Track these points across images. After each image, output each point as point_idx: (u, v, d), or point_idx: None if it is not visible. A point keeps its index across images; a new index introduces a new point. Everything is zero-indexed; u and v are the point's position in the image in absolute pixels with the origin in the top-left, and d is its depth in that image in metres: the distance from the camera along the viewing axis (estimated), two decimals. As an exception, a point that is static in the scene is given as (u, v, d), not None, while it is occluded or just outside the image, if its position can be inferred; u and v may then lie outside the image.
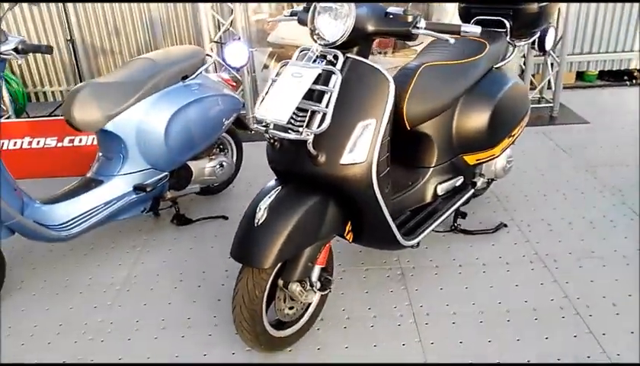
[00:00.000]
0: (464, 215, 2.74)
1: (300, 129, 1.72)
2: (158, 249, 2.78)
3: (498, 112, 2.37)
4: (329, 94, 1.71)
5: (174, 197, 2.90)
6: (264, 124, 1.72)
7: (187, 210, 3.06)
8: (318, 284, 1.94)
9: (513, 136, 2.56)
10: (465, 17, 2.79)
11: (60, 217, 2.42)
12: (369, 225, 1.98)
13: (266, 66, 4.16)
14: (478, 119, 2.33)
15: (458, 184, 2.43)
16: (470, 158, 2.42)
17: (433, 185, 2.35)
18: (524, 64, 4.56)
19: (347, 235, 2.01)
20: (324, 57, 1.79)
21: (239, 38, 3.87)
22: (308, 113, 1.74)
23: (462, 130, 2.34)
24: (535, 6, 2.58)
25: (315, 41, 1.80)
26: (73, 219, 2.44)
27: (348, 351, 2.03)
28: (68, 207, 2.45)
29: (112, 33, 4.87)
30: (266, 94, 1.75)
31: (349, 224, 1.99)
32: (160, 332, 2.18)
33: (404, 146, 2.40)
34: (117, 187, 2.58)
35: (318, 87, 1.73)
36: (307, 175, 1.82)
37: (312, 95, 1.74)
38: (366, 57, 1.86)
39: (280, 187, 1.85)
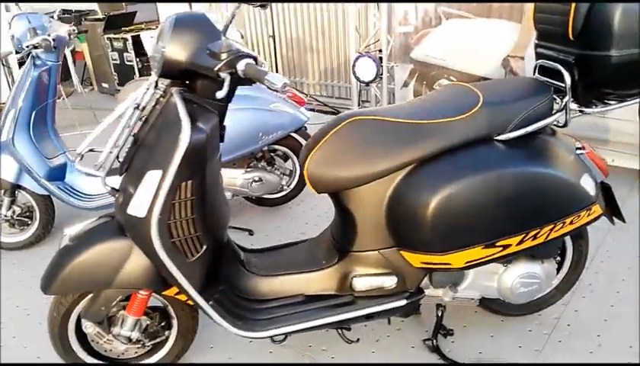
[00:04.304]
0: (447, 332, 1.95)
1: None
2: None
3: (456, 206, 1.57)
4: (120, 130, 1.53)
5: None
6: None
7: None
8: (134, 335, 1.75)
9: (506, 247, 1.65)
10: (536, 57, 1.92)
11: (89, 189, 2.81)
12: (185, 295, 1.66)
13: (406, 84, 3.68)
14: (418, 207, 1.60)
15: (387, 285, 1.74)
16: (412, 258, 1.70)
17: (349, 275, 1.76)
18: None
19: (179, 294, 1.73)
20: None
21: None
22: None
23: (395, 214, 1.65)
24: (614, 53, 1.58)
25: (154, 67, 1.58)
26: (99, 194, 2.81)
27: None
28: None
29: (314, 37, 5.10)
30: None
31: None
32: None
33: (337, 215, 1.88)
34: (145, 175, 2.82)
35: (123, 122, 1.55)
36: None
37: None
38: (223, 99, 1.49)
39: (105, 218, 1.74)
